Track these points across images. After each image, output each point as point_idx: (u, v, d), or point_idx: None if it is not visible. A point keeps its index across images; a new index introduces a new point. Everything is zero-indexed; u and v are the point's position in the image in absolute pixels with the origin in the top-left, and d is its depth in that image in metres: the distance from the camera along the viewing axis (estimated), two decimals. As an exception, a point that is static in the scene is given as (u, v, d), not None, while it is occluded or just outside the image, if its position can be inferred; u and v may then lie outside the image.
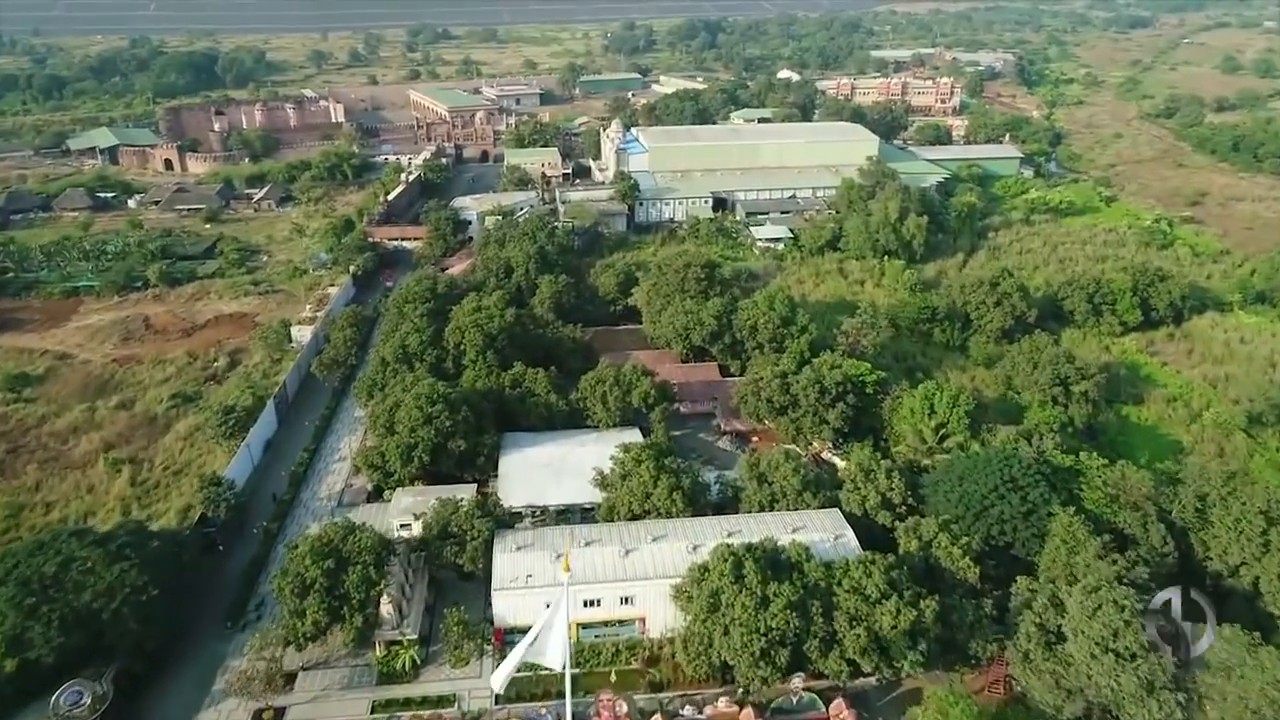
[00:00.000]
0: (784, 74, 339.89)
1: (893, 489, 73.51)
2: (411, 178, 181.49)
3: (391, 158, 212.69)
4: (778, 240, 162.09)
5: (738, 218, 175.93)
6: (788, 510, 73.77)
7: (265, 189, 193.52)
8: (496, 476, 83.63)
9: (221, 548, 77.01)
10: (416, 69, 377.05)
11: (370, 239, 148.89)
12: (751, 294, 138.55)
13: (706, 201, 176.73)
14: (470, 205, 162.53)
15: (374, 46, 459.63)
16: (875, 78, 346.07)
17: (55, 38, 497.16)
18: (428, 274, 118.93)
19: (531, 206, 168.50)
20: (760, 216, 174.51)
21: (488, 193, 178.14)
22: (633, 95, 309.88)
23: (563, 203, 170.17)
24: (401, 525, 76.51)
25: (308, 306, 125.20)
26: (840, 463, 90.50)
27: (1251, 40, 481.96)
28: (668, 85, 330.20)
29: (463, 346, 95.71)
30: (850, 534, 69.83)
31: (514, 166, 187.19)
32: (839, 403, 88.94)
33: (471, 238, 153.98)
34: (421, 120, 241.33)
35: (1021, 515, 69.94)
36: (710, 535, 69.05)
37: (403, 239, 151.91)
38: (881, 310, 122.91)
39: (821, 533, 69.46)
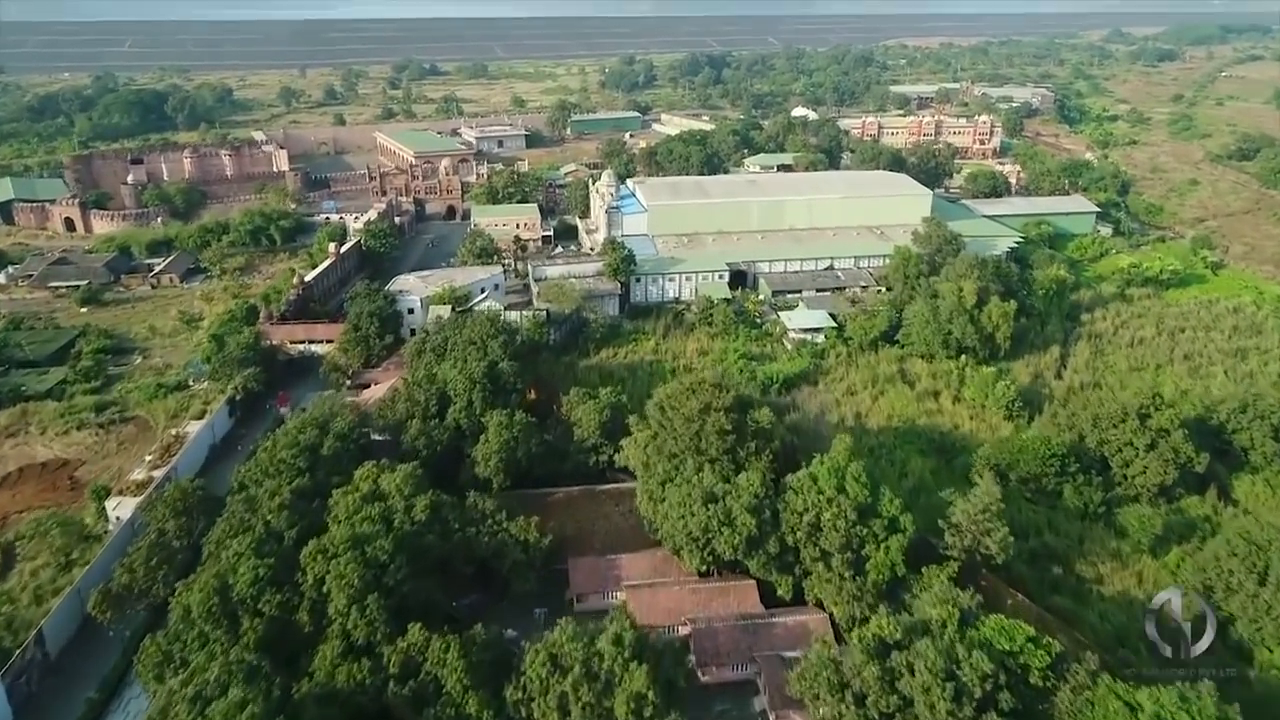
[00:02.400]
0: (799, 111, 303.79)
1: None
2: (346, 247, 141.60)
3: (334, 217, 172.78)
4: (817, 330, 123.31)
5: (761, 297, 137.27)
6: None
7: (170, 258, 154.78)
8: None
9: None
10: (392, 107, 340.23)
11: (267, 341, 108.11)
12: (787, 415, 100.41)
13: (721, 276, 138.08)
14: (413, 287, 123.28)
15: (353, 83, 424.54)
16: (901, 115, 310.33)
17: (19, 75, 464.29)
18: (316, 415, 78.81)
19: (496, 288, 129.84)
20: (790, 296, 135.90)
21: (441, 267, 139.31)
22: (631, 136, 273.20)
23: (537, 281, 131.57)
24: None
25: (148, 457, 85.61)
26: (989, 816, 50.38)
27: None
28: (670, 125, 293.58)
29: (327, 588, 55.75)
30: None
31: (478, 232, 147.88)
32: (988, 710, 49.16)
33: (414, 331, 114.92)
34: (374, 170, 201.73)
35: None
36: None
37: (310, 341, 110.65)
38: (988, 458, 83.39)
39: None
